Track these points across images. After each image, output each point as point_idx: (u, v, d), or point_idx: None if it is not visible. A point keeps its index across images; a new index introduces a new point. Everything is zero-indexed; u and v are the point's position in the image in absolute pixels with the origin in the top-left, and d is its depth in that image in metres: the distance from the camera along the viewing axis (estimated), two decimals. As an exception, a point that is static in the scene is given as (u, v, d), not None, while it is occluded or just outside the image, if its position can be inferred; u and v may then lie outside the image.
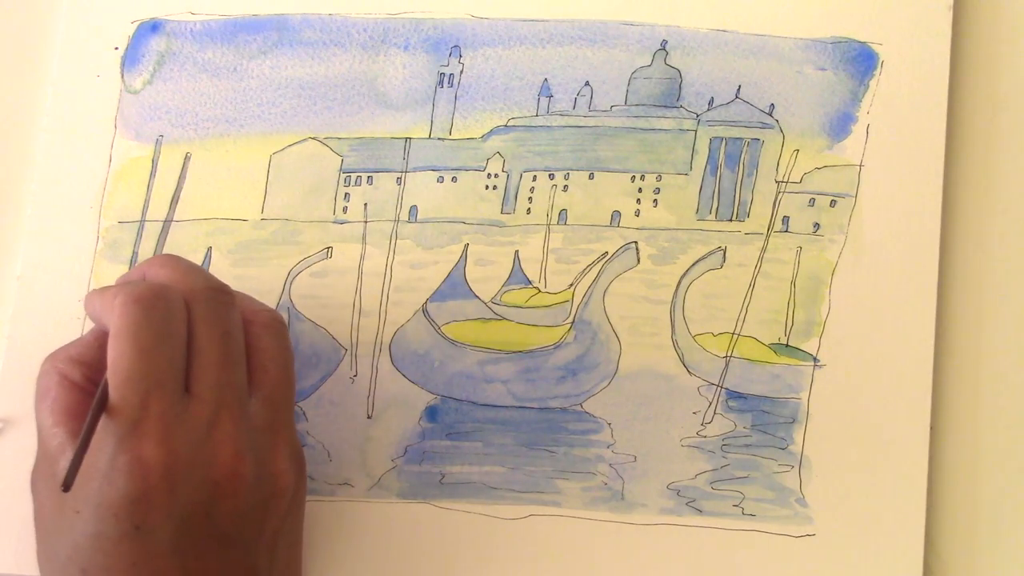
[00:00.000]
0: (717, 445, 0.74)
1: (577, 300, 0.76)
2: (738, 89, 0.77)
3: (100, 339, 0.64)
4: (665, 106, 0.77)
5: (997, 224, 0.76)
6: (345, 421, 0.75)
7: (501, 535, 0.73)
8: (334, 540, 0.73)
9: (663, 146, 0.77)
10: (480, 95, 0.78)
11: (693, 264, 0.75)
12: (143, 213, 0.78)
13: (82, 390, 0.63)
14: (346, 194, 0.77)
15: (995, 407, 0.74)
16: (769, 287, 0.75)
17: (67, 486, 0.56)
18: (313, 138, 0.78)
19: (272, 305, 0.76)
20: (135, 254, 0.77)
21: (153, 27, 0.80)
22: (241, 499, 0.60)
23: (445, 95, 0.78)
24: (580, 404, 0.75)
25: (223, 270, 0.77)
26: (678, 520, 0.73)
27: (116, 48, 0.80)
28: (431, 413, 0.75)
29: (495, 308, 0.76)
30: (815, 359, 0.74)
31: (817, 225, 0.76)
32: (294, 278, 0.77)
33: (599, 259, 0.76)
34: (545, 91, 0.78)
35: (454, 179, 0.77)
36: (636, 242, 0.76)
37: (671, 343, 0.75)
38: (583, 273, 0.76)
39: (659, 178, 0.77)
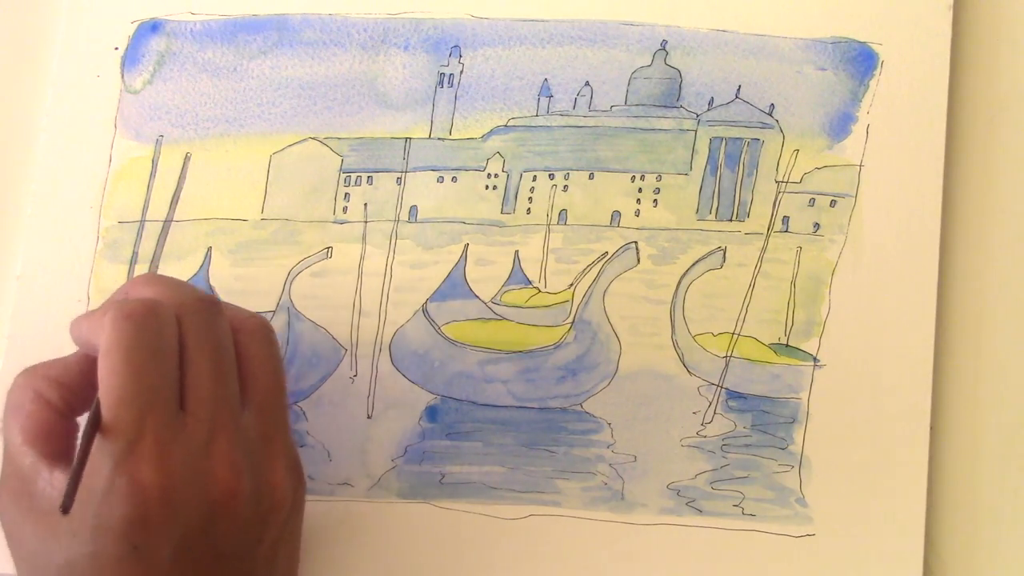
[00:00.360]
0: (717, 445, 0.74)
1: (577, 300, 0.76)
2: (738, 89, 0.77)
3: (83, 364, 0.63)
4: (665, 106, 0.77)
5: (997, 224, 0.76)
6: (345, 421, 0.75)
7: (501, 535, 0.73)
8: (334, 540, 0.73)
9: (663, 146, 0.77)
10: (480, 95, 0.78)
11: (693, 264, 0.75)
12: (143, 213, 0.78)
13: (57, 412, 0.61)
14: (346, 194, 0.77)
15: (995, 407, 0.74)
16: (769, 287, 0.75)
17: (66, 509, 0.55)
18: (313, 138, 0.78)
19: (272, 305, 0.76)
20: (135, 254, 0.77)
21: (153, 27, 0.80)
22: (239, 516, 0.59)
23: (445, 95, 0.78)
24: (580, 404, 0.75)
25: (223, 270, 0.77)
26: (678, 520, 0.73)
27: (116, 48, 0.80)
28: (431, 413, 0.75)
29: (495, 308, 0.76)
30: (815, 359, 0.74)
31: (817, 225, 0.76)
32: (294, 278, 0.77)
33: (599, 259, 0.76)
34: (545, 91, 0.78)
35: (454, 179, 0.77)
36: (636, 242, 0.76)
37: (671, 343, 0.75)
38: (583, 273, 0.76)
39: (659, 178, 0.77)
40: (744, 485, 0.73)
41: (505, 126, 0.78)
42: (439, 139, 0.78)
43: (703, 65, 0.77)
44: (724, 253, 0.76)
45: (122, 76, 0.79)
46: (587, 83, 0.77)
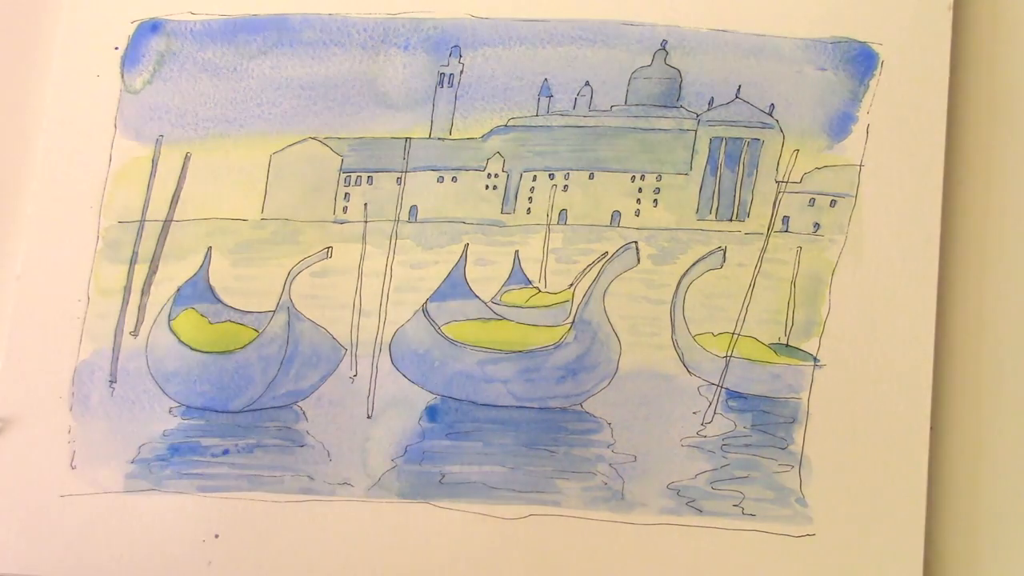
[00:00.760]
0: (717, 445, 0.74)
1: (577, 300, 0.76)
2: (738, 89, 0.77)
3: None
4: (665, 106, 0.77)
5: (997, 224, 0.76)
6: (345, 421, 0.75)
7: (501, 535, 0.73)
8: (334, 540, 0.73)
9: (663, 146, 0.77)
10: (480, 95, 0.78)
11: (693, 264, 0.75)
12: (143, 213, 0.78)
13: None
14: (346, 194, 0.77)
15: (995, 407, 0.74)
16: (769, 287, 0.75)
17: None
18: (313, 138, 0.78)
19: (272, 305, 0.76)
20: (135, 254, 0.77)
21: (153, 27, 0.80)
22: None
23: (445, 95, 0.78)
24: (580, 404, 0.75)
25: (223, 270, 0.77)
26: (678, 520, 0.73)
27: (116, 48, 0.80)
28: (431, 413, 0.75)
29: (495, 308, 0.76)
30: (815, 359, 0.74)
31: (817, 225, 0.76)
32: (294, 278, 0.77)
33: (599, 259, 0.76)
34: (545, 91, 0.78)
35: (454, 179, 0.77)
36: (636, 242, 0.76)
37: (671, 343, 0.75)
38: (583, 273, 0.76)
39: (659, 178, 0.77)
40: (744, 485, 0.73)
41: (505, 126, 0.78)
42: (439, 139, 0.78)
43: (703, 65, 0.77)
44: (724, 253, 0.76)
45: (122, 76, 0.80)
46: (587, 83, 0.77)
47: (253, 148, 0.78)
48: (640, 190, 0.76)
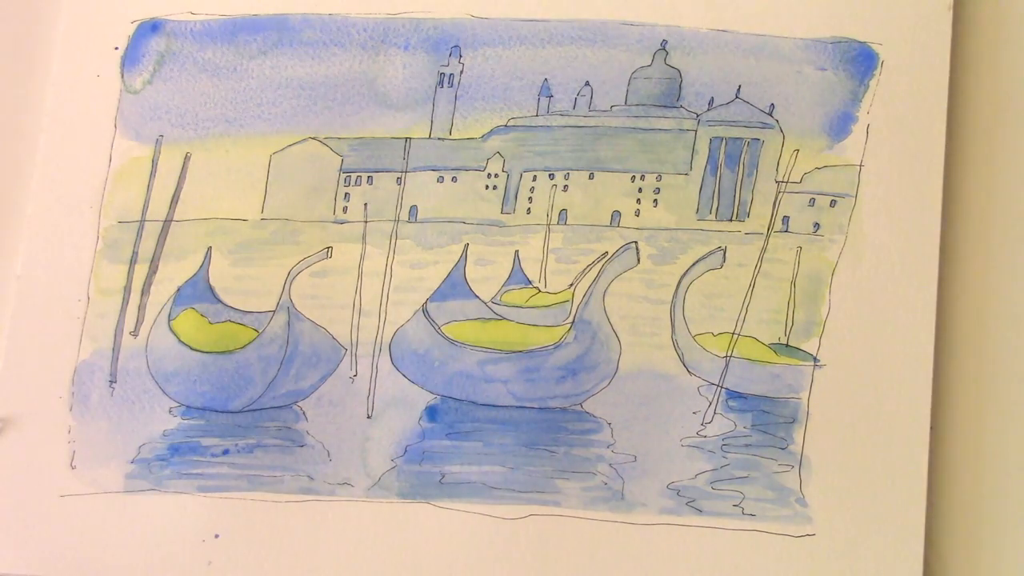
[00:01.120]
0: (717, 445, 0.74)
1: (577, 300, 0.76)
2: (738, 89, 0.77)
3: None
4: (665, 106, 0.77)
5: (997, 224, 0.76)
6: (345, 421, 0.75)
7: (501, 535, 0.73)
8: (334, 540, 0.73)
9: (663, 146, 0.77)
10: (480, 95, 0.78)
11: (693, 264, 0.75)
12: (143, 213, 0.78)
13: None
14: (346, 194, 0.77)
15: (995, 407, 0.74)
16: (769, 287, 0.75)
17: None
18: (313, 138, 0.78)
19: (272, 305, 0.76)
20: (135, 254, 0.77)
21: (153, 27, 0.80)
22: None
23: (445, 95, 0.78)
24: (580, 404, 0.75)
25: (223, 270, 0.77)
26: (678, 520, 0.73)
27: (116, 48, 0.80)
28: (431, 413, 0.75)
29: (495, 308, 0.76)
30: (815, 359, 0.74)
31: (817, 225, 0.76)
32: (294, 278, 0.77)
33: (599, 259, 0.76)
34: (545, 91, 0.78)
35: (454, 179, 0.77)
36: (636, 242, 0.76)
37: (671, 343, 0.75)
38: (583, 273, 0.76)
39: (659, 178, 0.77)
40: (744, 485, 0.73)
41: (505, 126, 0.78)
42: (439, 139, 0.78)
43: (703, 65, 0.77)
44: (724, 253, 0.76)
45: (122, 76, 0.80)
46: (587, 83, 0.77)
47: (253, 148, 0.78)
48: (640, 190, 0.76)
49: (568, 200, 0.77)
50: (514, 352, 0.75)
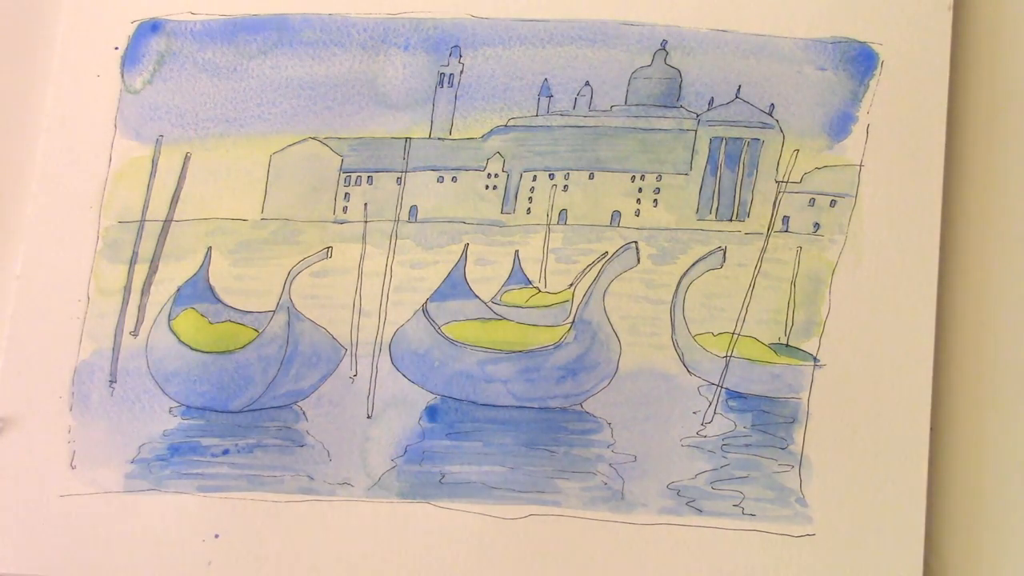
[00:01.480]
0: (717, 445, 0.74)
1: (577, 300, 0.76)
2: (738, 89, 0.77)
3: None
4: (665, 106, 0.77)
5: (997, 224, 0.76)
6: (345, 421, 0.75)
7: (501, 535, 0.73)
8: (334, 540, 0.73)
9: (663, 146, 0.77)
10: (480, 95, 0.78)
11: (693, 264, 0.75)
12: (143, 213, 0.78)
13: None
14: (346, 194, 0.77)
15: (995, 407, 0.74)
16: (769, 287, 0.75)
17: None
18: (313, 138, 0.78)
19: (272, 305, 0.76)
20: (135, 254, 0.77)
21: (153, 27, 0.80)
22: None
23: (445, 95, 0.78)
24: (580, 404, 0.75)
25: (223, 270, 0.77)
26: (678, 520, 0.73)
27: (116, 48, 0.80)
28: (431, 413, 0.75)
29: (495, 308, 0.76)
30: (815, 359, 0.74)
31: (817, 225, 0.76)
32: (294, 278, 0.77)
33: (599, 259, 0.76)
34: (545, 91, 0.78)
35: (454, 179, 0.77)
36: (636, 242, 0.76)
37: (671, 343, 0.75)
38: (583, 273, 0.76)
39: (659, 178, 0.77)
40: (744, 485, 0.73)
41: (505, 126, 0.78)
42: (439, 139, 0.78)
43: (703, 65, 0.77)
44: (724, 253, 0.76)
45: (122, 76, 0.80)
46: (587, 83, 0.77)
47: (253, 148, 0.78)
48: (640, 190, 0.76)
49: (568, 200, 0.77)
50: (514, 352, 0.75)
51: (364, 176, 0.78)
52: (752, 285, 0.75)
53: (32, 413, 0.75)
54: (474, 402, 0.75)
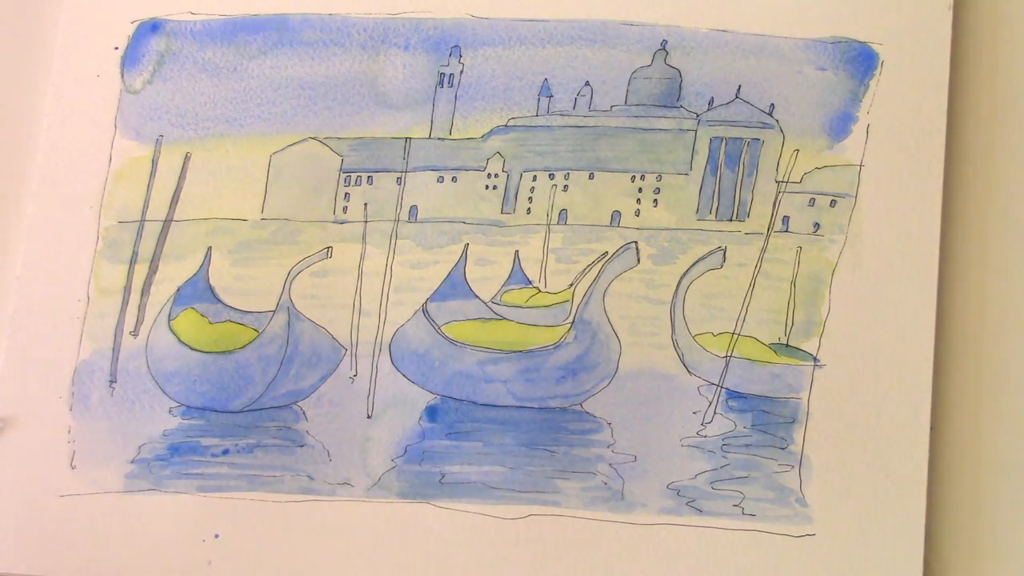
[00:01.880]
0: (717, 445, 0.74)
1: (577, 300, 0.76)
2: (738, 89, 0.77)
3: None
4: (665, 106, 0.77)
5: (997, 224, 0.76)
6: (345, 421, 0.75)
7: (501, 535, 0.73)
8: (334, 540, 0.73)
9: (663, 146, 0.77)
10: (480, 95, 0.78)
11: (693, 264, 0.75)
12: (143, 213, 0.78)
13: None
14: (346, 194, 0.77)
15: (995, 407, 0.74)
16: (769, 287, 0.75)
17: None
18: (313, 138, 0.78)
19: (272, 305, 0.76)
20: (135, 254, 0.77)
21: (153, 27, 0.80)
22: None
23: (445, 95, 0.78)
24: (580, 404, 0.75)
25: (223, 270, 0.77)
26: (678, 520, 0.73)
27: (116, 48, 0.80)
28: (431, 413, 0.75)
29: (495, 308, 0.76)
30: (815, 359, 0.74)
31: (817, 225, 0.76)
32: (294, 278, 0.77)
33: (599, 259, 0.76)
34: (545, 91, 0.78)
35: (454, 179, 0.77)
36: (636, 242, 0.76)
37: (671, 343, 0.75)
38: (583, 273, 0.76)
39: (659, 178, 0.77)
40: (744, 485, 0.73)
41: (505, 126, 0.78)
42: (439, 139, 0.78)
43: (703, 65, 0.77)
44: (724, 253, 0.76)
45: (122, 76, 0.80)
46: (587, 83, 0.77)
47: (253, 148, 0.78)
48: (640, 190, 0.76)
49: (568, 200, 0.77)
50: (514, 352, 0.75)
51: (364, 176, 0.78)
52: (752, 285, 0.75)
53: (32, 413, 0.75)
54: (474, 402, 0.75)
